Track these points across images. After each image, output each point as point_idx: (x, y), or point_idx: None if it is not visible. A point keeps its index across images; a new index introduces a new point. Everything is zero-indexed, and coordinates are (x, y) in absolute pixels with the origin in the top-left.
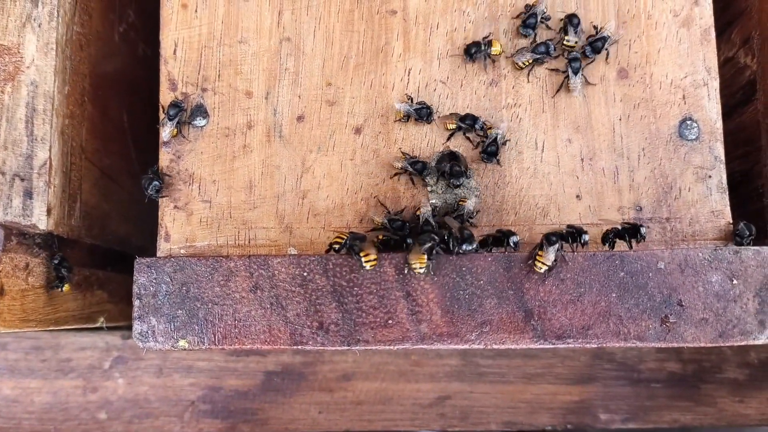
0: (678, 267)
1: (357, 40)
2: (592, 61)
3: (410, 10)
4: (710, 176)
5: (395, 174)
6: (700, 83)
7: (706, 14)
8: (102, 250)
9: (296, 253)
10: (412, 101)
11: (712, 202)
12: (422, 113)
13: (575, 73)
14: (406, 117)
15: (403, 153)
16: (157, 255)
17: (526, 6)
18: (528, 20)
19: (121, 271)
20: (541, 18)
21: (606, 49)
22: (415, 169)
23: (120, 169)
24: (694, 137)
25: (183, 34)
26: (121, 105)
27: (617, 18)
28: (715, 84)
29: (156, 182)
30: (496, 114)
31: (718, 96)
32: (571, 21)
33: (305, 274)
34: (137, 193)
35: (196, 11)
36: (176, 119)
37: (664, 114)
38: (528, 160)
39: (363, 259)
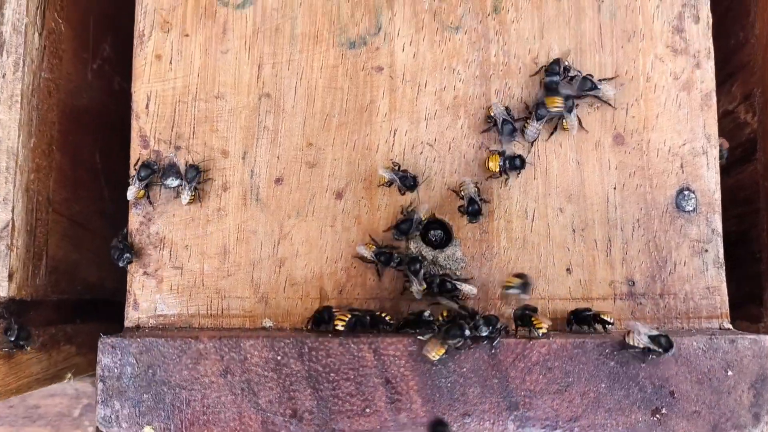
0: (671, 356)
1: (340, 98)
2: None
3: (397, 66)
4: (707, 250)
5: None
6: (699, 151)
7: (707, 77)
8: (70, 302)
9: (272, 324)
10: (398, 168)
11: (707, 278)
12: (407, 182)
13: (569, 111)
14: (389, 183)
15: (371, 239)
16: (125, 325)
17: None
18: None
19: (91, 320)
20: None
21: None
22: (381, 259)
23: (91, 213)
24: (691, 209)
25: (156, 88)
26: (94, 145)
27: (614, 80)
28: (715, 152)
29: (127, 255)
30: (485, 182)
31: (718, 165)
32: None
33: (279, 357)
34: (110, 234)
35: (170, 63)
36: (146, 181)
37: (661, 183)
38: (517, 230)
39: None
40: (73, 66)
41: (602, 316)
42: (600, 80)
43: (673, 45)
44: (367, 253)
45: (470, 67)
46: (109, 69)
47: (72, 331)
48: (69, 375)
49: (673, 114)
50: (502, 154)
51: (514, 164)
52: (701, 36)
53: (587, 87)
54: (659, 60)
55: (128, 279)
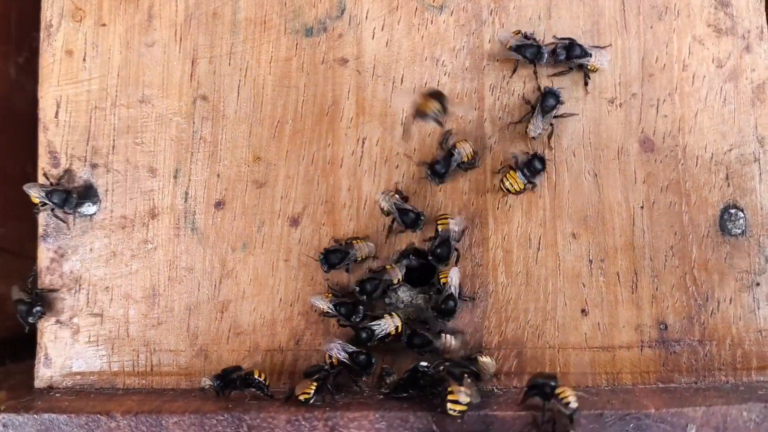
0: (714, 430)
1: (295, 99)
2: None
3: (366, 58)
4: (758, 284)
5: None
6: (750, 158)
7: (760, 64)
8: None
9: (212, 384)
10: (402, 198)
11: (759, 319)
12: (407, 219)
13: (544, 113)
14: (387, 213)
15: (329, 287)
16: (35, 385)
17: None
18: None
19: (27, 356)
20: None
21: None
22: (341, 312)
23: (24, 235)
24: (739, 231)
25: (68, 91)
26: (24, 155)
27: (642, 69)
28: None
29: (38, 308)
30: (477, 200)
31: None
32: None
33: None
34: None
35: (84, 60)
36: (54, 208)
37: (701, 200)
38: (519, 263)
39: None
40: None
41: (561, 396)
42: (592, 47)
43: (716, 23)
44: (323, 304)
45: (458, 57)
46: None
47: (1, 374)
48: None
49: (716, 112)
50: (516, 165)
51: (536, 168)
52: (752, 11)
53: (575, 54)
54: (698, 42)
55: (38, 330)
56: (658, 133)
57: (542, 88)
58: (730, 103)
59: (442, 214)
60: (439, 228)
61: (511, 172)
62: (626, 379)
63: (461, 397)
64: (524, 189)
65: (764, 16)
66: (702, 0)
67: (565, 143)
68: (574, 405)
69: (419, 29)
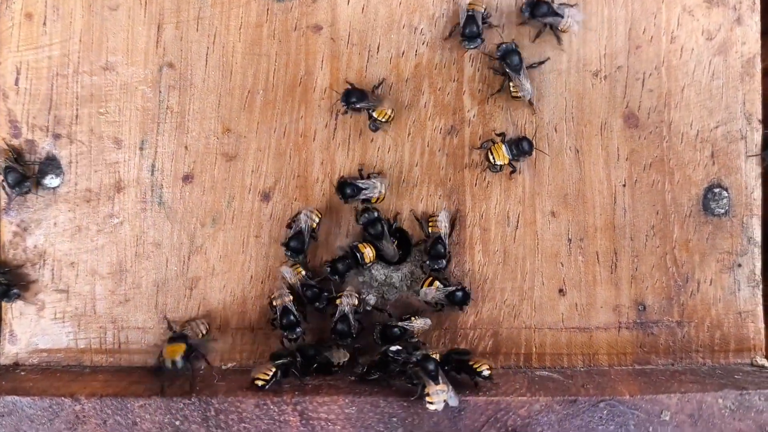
0: (689, 417)
1: (266, 68)
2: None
3: (341, 25)
4: (740, 265)
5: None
6: (736, 136)
7: (751, 37)
8: None
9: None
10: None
11: (739, 300)
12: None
13: (516, 71)
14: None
15: (303, 261)
16: (0, 362)
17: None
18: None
19: None
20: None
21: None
22: (306, 293)
23: None
24: (722, 211)
25: (28, 57)
26: None
27: (628, 40)
28: (757, 137)
29: (15, 290)
30: (455, 175)
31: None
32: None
33: (177, 423)
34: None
35: (44, 24)
36: (18, 187)
37: (685, 179)
38: (496, 241)
39: None
40: None
41: (476, 367)
42: (561, 5)
43: None
44: (292, 277)
45: (437, 25)
46: None
47: None
48: None
49: (703, 87)
50: (503, 139)
51: (522, 149)
52: None
53: (541, 12)
54: (688, 13)
55: (1, 306)
56: (643, 109)
57: (498, 49)
58: (719, 77)
59: (431, 216)
60: (430, 230)
61: (498, 143)
62: (603, 360)
63: (437, 397)
64: (505, 166)
65: None
66: None
67: (547, 118)
68: (486, 373)
69: None
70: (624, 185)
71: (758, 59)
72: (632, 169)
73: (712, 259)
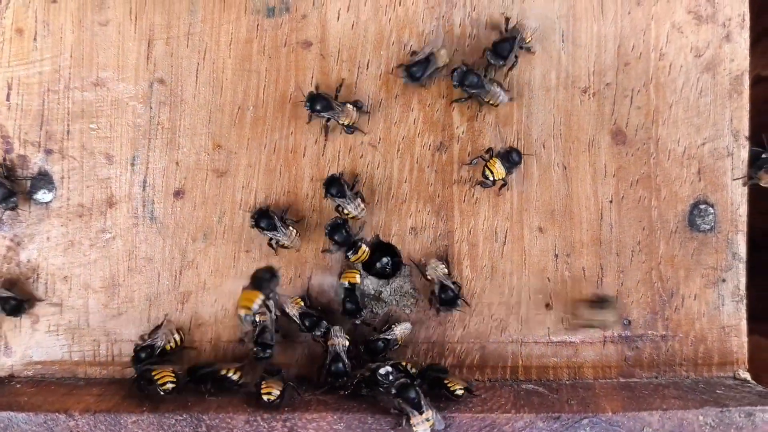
0: None
1: (256, 84)
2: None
3: (330, 42)
4: (724, 280)
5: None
6: (723, 153)
7: (740, 54)
8: None
9: (173, 377)
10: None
11: (723, 315)
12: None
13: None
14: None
15: (305, 296)
16: None
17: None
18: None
19: None
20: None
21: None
22: (305, 324)
23: None
24: (708, 227)
25: (19, 72)
26: None
27: (617, 57)
28: (743, 154)
29: (25, 306)
30: (444, 191)
31: (746, 170)
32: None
33: None
34: None
35: (35, 40)
36: (4, 202)
37: (671, 195)
38: (484, 256)
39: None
40: None
41: (450, 386)
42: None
43: (696, 10)
44: (293, 310)
45: (427, 42)
46: None
47: None
48: None
49: (691, 103)
50: (492, 154)
51: (513, 160)
52: None
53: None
54: (677, 30)
55: None
56: (631, 126)
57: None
58: (707, 94)
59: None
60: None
61: (493, 159)
62: (588, 373)
63: (423, 427)
64: (502, 179)
65: (747, 3)
66: None
67: (535, 134)
68: (459, 393)
69: (386, 11)
70: (611, 201)
71: (746, 76)
72: (619, 186)
73: (697, 274)
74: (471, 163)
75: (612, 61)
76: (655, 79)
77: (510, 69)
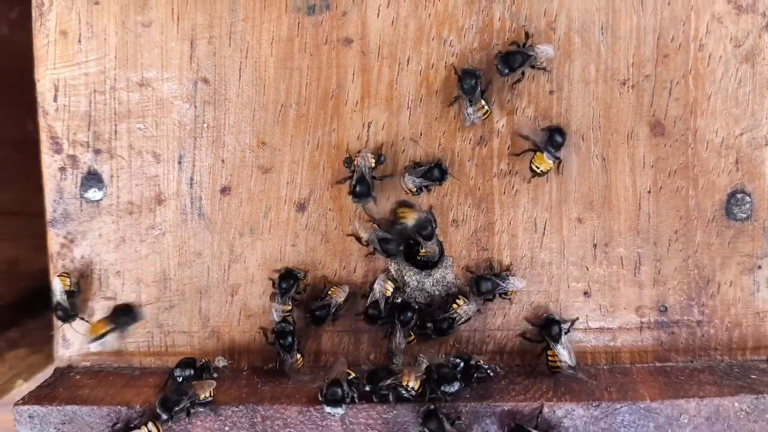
0: (706, 420)
1: (298, 82)
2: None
3: (371, 39)
4: (760, 267)
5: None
6: (761, 142)
7: None
8: (11, 306)
9: (226, 363)
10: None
11: (758, 301)
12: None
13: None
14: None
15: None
16: (55, 365)
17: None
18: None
19: (43, 312)
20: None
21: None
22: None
23: (27, 193)
24: (744, 216)
25: (65, 74)
26: (24, 111)
27: (656, 49)
28: None
29: (77, 316)
30: (484, 184)
31: None
32: None
33: (227, 429)
34: None
35: (79, 42)
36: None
37: (709, 184)
38: (524, 246)
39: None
40: None
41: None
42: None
43: (736, 0)
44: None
45: (467, 37)
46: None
47: (18, 334)
48: (20, 381)
49: (730, 94)
50: (538, 146)
51: (557, 142)
52: None
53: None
54: (717, 21)
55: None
56: (669, 117)
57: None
58: (746, 84)
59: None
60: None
61: (537, 153)
62: (625, 358)
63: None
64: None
65: None
66: None
67: (574, 127)
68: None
69: (426, 7)
70: (649, 192)
71: None
72: (657, 176)
73: (733, 261)
74: (521, 154)
75: (651, 52)
76: (694, 70)
77: (515, 82)
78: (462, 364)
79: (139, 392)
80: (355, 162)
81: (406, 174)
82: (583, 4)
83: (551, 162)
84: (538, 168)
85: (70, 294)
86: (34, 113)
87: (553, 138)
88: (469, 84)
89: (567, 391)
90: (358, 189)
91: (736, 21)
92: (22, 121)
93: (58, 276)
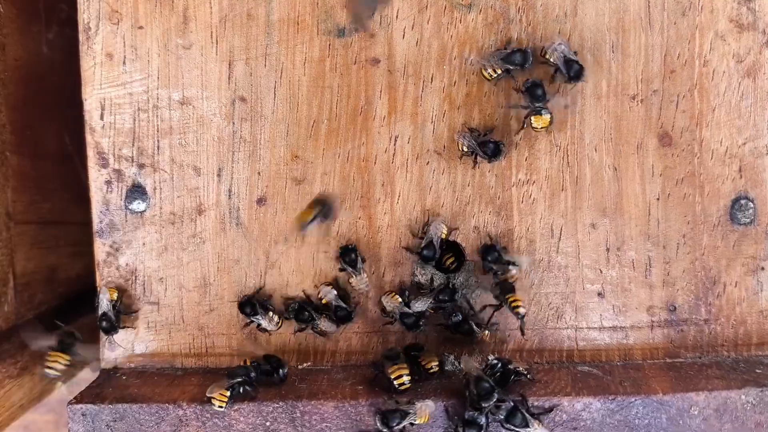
0: (714, 412)
1: (329, 99)
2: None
3: (397, 58)
4: (763, 268)
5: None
6: (763, 151)
7: None
8: (51, 310)
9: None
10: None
11: (761, 300)
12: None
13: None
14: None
15: (399, 289)
16: (101, 366)
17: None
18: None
19: (81, 314)
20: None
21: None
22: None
23: (66, 203)
24: (748, 221)
25: (111, 94)
26: (61, 126)
27: (663, 66)
28: None
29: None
30: (503, 194)
31: None
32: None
33: (268, 423)
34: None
35: (124, 63)
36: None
37: (714, 191)
38: (541, 250)
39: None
40: (22, 47)
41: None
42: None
43: (738, 18)
44: (391, 305)
45: (486, 56)
46: (69, 31)
47: (76, 328)
48: (60, 383)
49: (733, 106)
50: (530, 107)
51: (538, 95)
52: None
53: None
54: (720, 38)
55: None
56: (677, 128)
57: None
58: (748, 97)
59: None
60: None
61: (534, 115)
62: (637, 354)
63: None
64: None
65: None
66: None
67: (587, 139)
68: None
69: (448, 28)
70: (658, 199)
71: None
72: (665, 184)
73: (738, 263)
74: (524, 125)
75: (659, 69)
76: (699, 84)
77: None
78: (500, 366)
79: (184, 390)
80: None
81: (490, 58)
82: (595, 25)
83: (548, 117)
84: (538, 126)
85: (114, 306)
86: (70, 127)
87: (534, 92)
88: (539, 92)
89: (584, 387)
90: (425, 253)
91: (738, 38)
92: (60, 135)
93: (108, 287)
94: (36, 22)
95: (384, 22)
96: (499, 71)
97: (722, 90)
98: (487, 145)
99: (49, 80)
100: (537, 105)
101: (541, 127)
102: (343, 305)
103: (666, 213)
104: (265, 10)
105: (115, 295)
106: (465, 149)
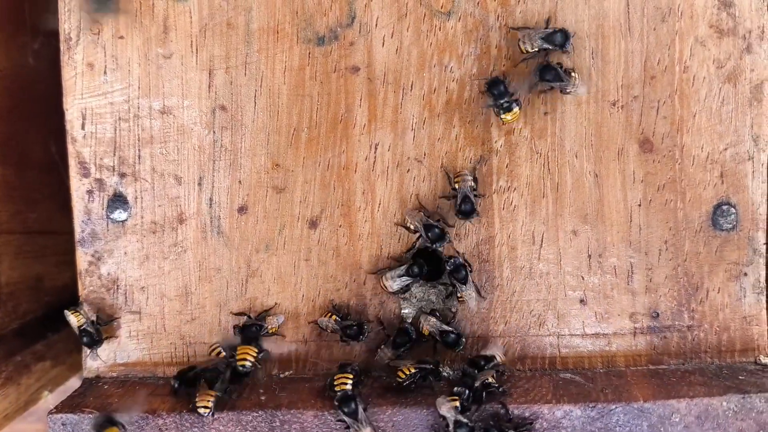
0: (696, 419)
1: (309, 107)
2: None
3: (377, 66)
4: (746, 274)
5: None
6: (744, 157)
7: (759, 64)
8: (37, 320)
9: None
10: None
11: (745, 306)
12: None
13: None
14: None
15: (332, 307)
16: (84, 375)
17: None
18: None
19: (63, 327)
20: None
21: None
22: (347, 333)
23: (52, 212)
24: (730, 226)
25: (92, 103)
26: (47, 136)
27: (644, 71)
28: (763, 157)
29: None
30: (484, 201)
31: (765, 172)
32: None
33: None
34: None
35: (105, 73)
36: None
37: (696, 197)
38: (523, 258)
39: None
40: (6, 58)
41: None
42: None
43: (718, 24)
44: (329, 324)
45: (466, 63)
46: (55, 41)
47: (43, 347)
48: (46, 393)
49: (713, 112)
50: (502, 102)
51: (500, 92)
52: (754, 11)
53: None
54: (700, 44)
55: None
56: (657, 134)
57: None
58: (728, 103)
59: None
60: (457, 186)
61: (503, 112)
62: (620, 361)
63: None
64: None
65: (766, 16)
66: (705, 1)
67: (568, 146)
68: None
69: (428, 36)
70: (639, 205)
71: (766, 85)
72: (647, 190)
73: (720, 269)
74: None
75: (639, 75)
76: (679, 90)
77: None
78: (467, 393)
79: (165, 400)
80: (458, 185)
81: (531, 32)
82: (575, 31)
83: (516, 109)
84: (509, 119)
85: (93, 322)
86: (56, 137)
87: (493, 91)
88: (498, 90)
89: (565, 394)
90: (464, 207)
91: (718, 44)
92: (46, 145)
93: (72, 311)
94: (22, 33)
95: (363, 30)
96: (537, 48)
97: (703, 96)
98: (431, 229)
99: (34, 90)
100: (501, 101)
101: (512, 119)
102: (448, 329)
103: (648, 219)
104: (244, 19)
105: (82, 320)
106: (412, 228)
